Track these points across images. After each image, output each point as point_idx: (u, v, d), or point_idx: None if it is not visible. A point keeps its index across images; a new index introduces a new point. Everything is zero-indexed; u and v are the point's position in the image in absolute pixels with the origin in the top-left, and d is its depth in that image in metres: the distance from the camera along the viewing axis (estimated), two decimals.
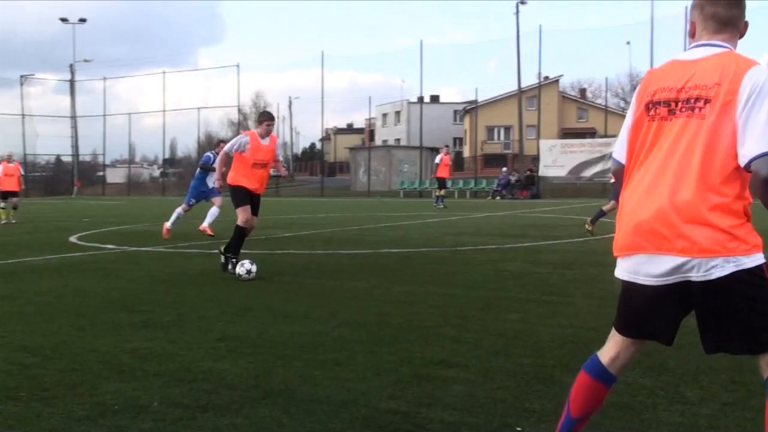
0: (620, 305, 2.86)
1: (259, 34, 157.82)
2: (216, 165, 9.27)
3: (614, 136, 43.34)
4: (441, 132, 66.36)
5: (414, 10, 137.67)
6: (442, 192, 28.16)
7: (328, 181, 53.32)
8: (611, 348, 2.92)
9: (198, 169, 15.12)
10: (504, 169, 43.38)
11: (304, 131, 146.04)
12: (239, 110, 55.32)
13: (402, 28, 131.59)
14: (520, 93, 45.77)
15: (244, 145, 8.87)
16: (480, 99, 59.23)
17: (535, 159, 41.04)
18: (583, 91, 73.25)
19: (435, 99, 75.35)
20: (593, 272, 8.83)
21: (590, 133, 57.42)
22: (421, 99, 49.81)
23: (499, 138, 66.63)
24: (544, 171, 39.25)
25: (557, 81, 65.09)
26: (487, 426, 3.57)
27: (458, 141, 71.78)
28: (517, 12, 44.27)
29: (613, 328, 2.92)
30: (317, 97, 47.43)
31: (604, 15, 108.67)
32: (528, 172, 40.39)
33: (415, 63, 44.44)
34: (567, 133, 59.63)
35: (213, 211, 14.33)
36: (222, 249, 9.21)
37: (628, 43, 76.60)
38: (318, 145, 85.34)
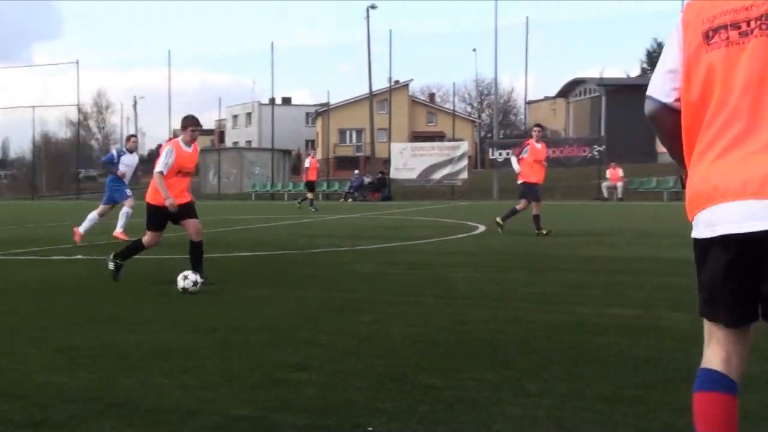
0: (716, 283, 2.38)
1: (100, 30, 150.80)
2: (158, 184, 8.23)
3: (461, 139, 44.84)
4: (293, 134, 66.17)
5: (265, 11, 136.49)
6: (311, 196, 28.41)
7: None
8: (718, 350, 2.46)
9: (110, 174, 13.77)
10: (356, 171, 43.82)
11: (151, 132, 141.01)
12: (79, 109, 52.72)
13: (253, 29, 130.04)
14: (372, 96, 46.40)
15: (174, 159, 8.25)
16: (332, 101, 59.58)
17: (387, 161, 41.71)
18: (432, 96, 75.34)
19: (287, 101, 75.05)
20: (444, 272, 9.07)
21: (439, 137, 59.14)
22: (272, 100, 49.41)
23: (351, 140, 67.25)
24: (395, 173, 39.95)
25: (407, 85, 66.55)
26: (339, 428, 3.57)
27: (310, 143, 71.76)
28: (368, 16, 44.94)
29: (709, 328, 2.49)
30: (164, 97, 46.10)
31: (452, 22, 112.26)
32: (380, 175, 40.98)
33: (267, 64, 44.06)
34: (417, 137, 61.08)
35: (125, 212, 13.32)
36: (112, 256, 8.62)
37: (474, 50, 79.87)
38: None
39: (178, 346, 5.23)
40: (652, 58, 68.48)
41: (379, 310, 6.55)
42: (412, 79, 68.16)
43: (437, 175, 39.23)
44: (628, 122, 50.32)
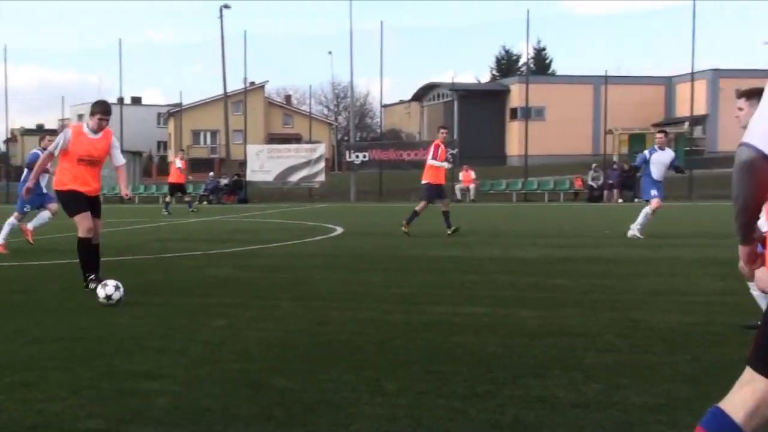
0: None
1: None
2: (39, 164, 7.63)
3: (319, 141, 44.86)
4: (144, 135, 63.89)
5: (113, 7, 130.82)
6: (168, 199, 27.65)
7: (15, 186, 48.68)
8: (748, 399, 2.21)
9: (25, 170, 12.60)
10: (211, 173, 42.88)
11: None
12: None
13: (99, 25, 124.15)
14: (226, 97, 45.58)
15: (66, 142, 7.59)
16: (185, 102, 58.05)
17: (243, 164, 41.09)
18: (288, 98, 74.96)
19: (137, 100, 72.37)
20: (302, 275, 9.02)
21: (296, 139, 58.93)
22: (121, 100, 47.44)
23: (205, 142, 65.79)
24: (251, 176, 39.41)
25: (263, 87, 65.89)
26: None
27: (162, 145, 69.65)
28: (221, 16, 44.02)
29: (751, 375, 2.25)
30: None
31: (308, 24, 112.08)
32: (235, 177, 40.31)
33: (114, 62, 42.32)
34: (273, 139, 60.61)
35: (43, 215, 12.24)
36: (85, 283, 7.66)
37: (330, 52, 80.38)
38: (2, 147, 77.73)
39: (18, 359, 4.90)
40: (501, 65, 71.33)
41: (235, 314, 6.43)
42: (267, 81, 67.66)
43: (294, 178, 39.05)
44: (479, 126, 52.31)
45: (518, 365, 4.63)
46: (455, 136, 44.70)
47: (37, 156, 12.52)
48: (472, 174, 36.60)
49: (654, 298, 6.97)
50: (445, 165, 14.89)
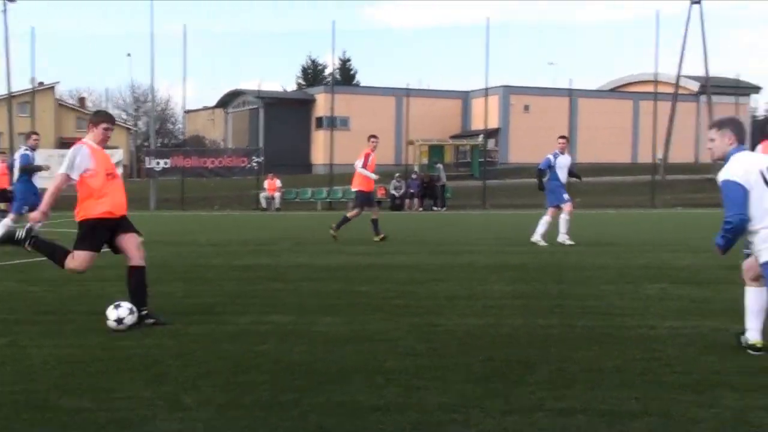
0: None
1: None
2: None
3: (116, 147, 42.77)
4: None
5: None
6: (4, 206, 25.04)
7: None
8: None
9: (17, 173, 11.96)
10: None
11: None
12: None
13: None
14: (10, 97, 42.37)
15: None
16: None
17: None
18: (82, 100, 70.99)
19: None
20: (94, 288, 8.54)
21: None
22: None
23: None
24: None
25: (53, 87, 62.01)
26: None
27: None
28: (5, 10, 40.80)
29: None
30: None
31: (105, 24, 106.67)
32: None
33: None
34: (65, 143, 57.07)
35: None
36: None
37: (129, 54, 77.10)
38: None
39: None
40: (307, 74, 71.92)
41: (19, 331, 5.96)
42: (58, 82, 63.73)
43: None
44: (285, 134, 52.30)
45: (321, 372, 4.65)
46: (261, 144, 44.41)
47: (28, 158, 12.17)
48: (278, 182, 36.50)
49: (452, 303, 7.28)
50: (372, 176, 14.73)
